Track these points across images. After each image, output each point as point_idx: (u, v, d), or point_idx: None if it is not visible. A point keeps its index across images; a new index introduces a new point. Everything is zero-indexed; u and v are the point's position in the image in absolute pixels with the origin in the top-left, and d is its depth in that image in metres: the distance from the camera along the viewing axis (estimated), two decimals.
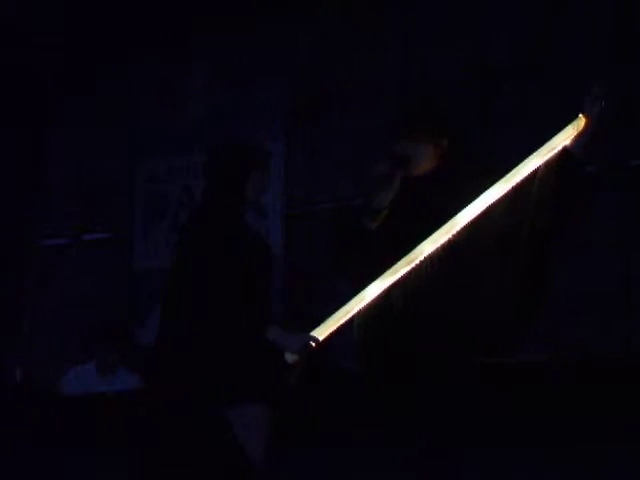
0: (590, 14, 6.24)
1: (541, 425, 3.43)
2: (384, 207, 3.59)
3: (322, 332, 3.45)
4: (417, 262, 3.46)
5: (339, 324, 3.48)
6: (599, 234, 5.90)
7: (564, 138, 3.51)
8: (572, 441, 3.39)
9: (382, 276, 3.46)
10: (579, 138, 3.49)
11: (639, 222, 5.95)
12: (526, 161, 3.49)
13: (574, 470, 3.32)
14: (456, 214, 3.50)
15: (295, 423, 3.59)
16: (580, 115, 3.51)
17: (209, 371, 3.28)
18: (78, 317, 7.32)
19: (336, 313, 3.49)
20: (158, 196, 7.48)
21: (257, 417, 3.30)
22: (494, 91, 6.43)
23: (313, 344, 3.38)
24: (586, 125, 3.48)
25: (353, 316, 3.50)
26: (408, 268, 3.45)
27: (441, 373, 3.50)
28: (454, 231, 3.46)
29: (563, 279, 5.95)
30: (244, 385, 3.30)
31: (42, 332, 7.53)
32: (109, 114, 7.70)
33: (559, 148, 3.52)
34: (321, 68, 7.09)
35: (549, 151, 3.50)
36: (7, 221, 7.67)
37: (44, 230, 7.82)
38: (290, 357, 3.34)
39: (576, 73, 6.17)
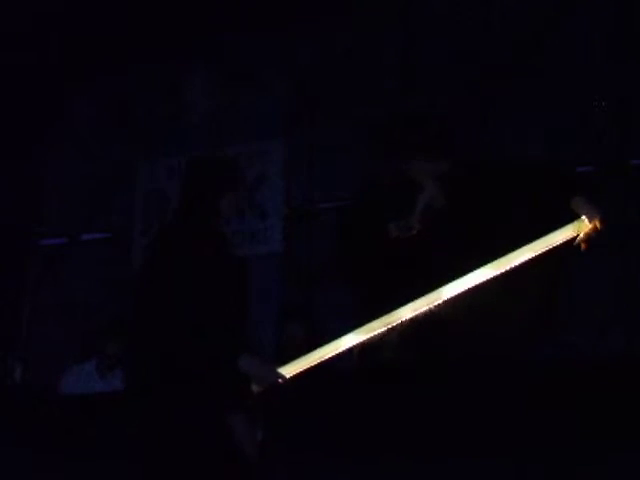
0: (590, 14, 6.24)
1: (542, 425, 3.44)
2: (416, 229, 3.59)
3: (291, 370, 3.46)
4: (394, 325, 3.46)
5: (308, 366, 3.50)
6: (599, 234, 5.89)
7: (562, 237, 3.43)
8: (572, 441, 3.39)
9: (357, 330, 3.47)
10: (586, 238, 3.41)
11: (639, 222, 5.95)
12: (519, 252, 3.42)
13: (574, 470, 3.33)
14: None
15: (294, 424, 3.60)
16: (583, 218, 3.42)
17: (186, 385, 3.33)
18: (77, 317, 7.32)
19: (308, 355, 3.50)
20: (158, 196, 7.47)
21: (242, 422, 3.34)
22: (494, 90, 6.44)
23: (280, 380, 3.40)
24: (591, 230, 3.40)
25: (324, 361, 3.51)
26: (384, 329, 3.45)
27: (443, 374, 3.51)
28: (436, 302, 3.43)
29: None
30: (221, 397, 3.34)
31: (41, 332, 7.53)
32: (109, 114, 7.70)
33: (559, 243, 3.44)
34: (321, 68, 7.09)
35: (544, 247, 3.43)
36: (7, 221, 7.68)
37: (43, 230, 7.83)
38: (255, 387, 3.39)
39: (576, 73, 6.18)
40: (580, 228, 3.39)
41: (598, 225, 3.39)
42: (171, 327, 3.36)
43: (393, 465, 3.54)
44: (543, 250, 3.39)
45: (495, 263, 3.39)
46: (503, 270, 3.39)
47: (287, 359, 3.47)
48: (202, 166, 3.74)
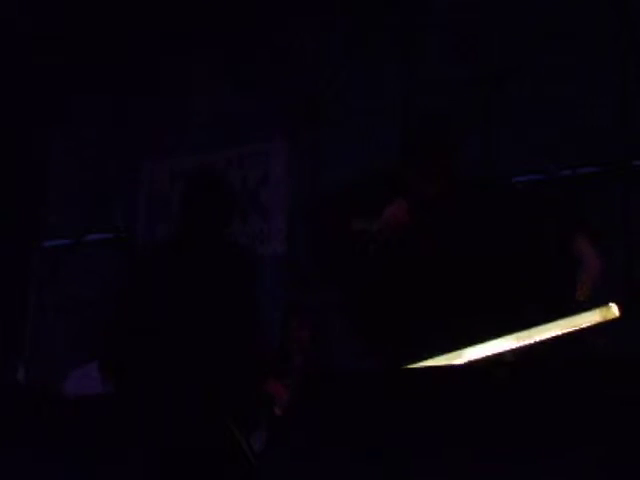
0: (591, 14, 6.24)
1: (541, 426, 3.43)
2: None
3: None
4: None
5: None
6: (600, 234, 5.90)
7: (587, 321, 3.39)
8: (572, 442, 3.38)
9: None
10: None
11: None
12: (543, 328, 3.39)
13: (573, 472, 3.32)
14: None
15: (296, 424, 3.60)
16: (610, 305, 3.37)
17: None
18: (80, 318, 7.33)
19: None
20: (160, 197, 7.49)
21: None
22: (495, 92, 6.43)
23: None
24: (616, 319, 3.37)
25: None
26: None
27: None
28: (462, 361, 3.40)
29: None
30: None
31: (44, 333, 7.55)
32: (111, 114, 7.71)
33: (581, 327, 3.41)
34: (323, 68, 7.10)
35: (569, 327, 3.38)
36: (10, 221, 7.69)
37: (46, 230, 7.84)
38: (277, 409, 3.45)
39: (577, 72, 6.18)
40: (607, 315, 3.35)
41: (597, 272, 3.38)
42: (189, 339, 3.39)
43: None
44: (568, 330, 3.36)
45: (517, 335, 3.37)
46: (525, 343, 3.37)
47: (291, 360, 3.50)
48: (208, 191, 3.79)
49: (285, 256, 7.01)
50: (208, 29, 7.27)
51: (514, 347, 3.39)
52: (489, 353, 3.38)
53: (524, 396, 3.47)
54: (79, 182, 7.78)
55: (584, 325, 3.38)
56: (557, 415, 3.41)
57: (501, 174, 6.09)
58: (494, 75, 6.43)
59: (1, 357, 7.47)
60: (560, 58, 6.25)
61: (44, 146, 7.91)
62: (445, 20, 6.71)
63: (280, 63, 7.23)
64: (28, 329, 7.63)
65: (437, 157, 3.67)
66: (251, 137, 7.20)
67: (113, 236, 7.68)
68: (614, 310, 3.35)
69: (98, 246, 7.70)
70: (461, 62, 6.58)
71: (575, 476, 3.30)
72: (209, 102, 7.50)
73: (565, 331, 3.38)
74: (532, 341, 3.37)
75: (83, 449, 3.91)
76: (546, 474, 3.35)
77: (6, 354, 7.44)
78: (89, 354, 6.40)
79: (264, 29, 7.21)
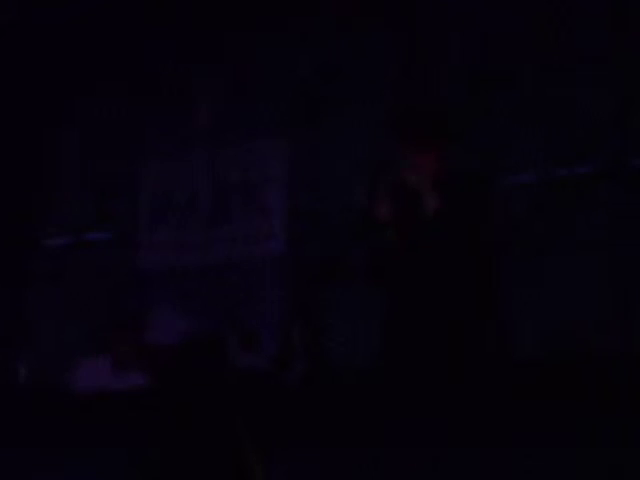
0: (589, 14, 6.25)
1: (540, 426, 3.45)
2: (387, 221, 3.64)
3: None
4: None
5: None
6: (599, 233, 5.92)
7: None
8: (571, 442, 3.40)
9: None
10: None
11: (639, 221, 5.96)
12: None
13: (573, 472, 3.34)
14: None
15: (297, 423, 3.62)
16: None
17: None
18: (81, 318, 7.35)
19: None
20: (161, 196, 7.49)
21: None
22: (493, 90, 6.45)
23: None
24: None
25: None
26: None
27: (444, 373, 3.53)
28: None
29: (563, 278, 5.99)
30: None
31: (45, 332, 7.56)
32: (113, 115, 7.72)
33: None
34: (324, 68, 7.10)
35: None
36: (12, 220, 7.70)
37: (49, 230, 7.85)
38: None
39: (576, 72, 6.19)
40: None
41: None
42: None
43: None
44: None
45: None
46: None
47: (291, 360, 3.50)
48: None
49: (285, 256, 7.02)
50: (208, 30, 7.28)
51: None
52: None
53: (523, 395, 3.49)
54: (80, 181, 7.80)
55: None
56: (555, 414, 3.43)
57: (501, 172, 6.11)
58: (494, 74, 6.44)
59: (1, 357, 7.49)
60: (560, 58, 6.26)
61: (46, 147, 7.92)
62: (446, 19, 6.72)
63: (281, 61, 7.24)
64: (28, 328, 7.64)
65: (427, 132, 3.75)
66: (252, 135, 7.20)
67: (114, 235, 7.68)
68: None
69: (99, 245, 7.71)
70: (462, 61, 6.59)
71: (573, 473, 3.32)
72: (210, 102, 7.50)
73: None
74: None
75: (89, 447, 3.92)
76: (544, 471, 3.37)
77: (7, 354, 7.45)
78: (96, 350, 6.40)
79: (264, 29, 7.22)
